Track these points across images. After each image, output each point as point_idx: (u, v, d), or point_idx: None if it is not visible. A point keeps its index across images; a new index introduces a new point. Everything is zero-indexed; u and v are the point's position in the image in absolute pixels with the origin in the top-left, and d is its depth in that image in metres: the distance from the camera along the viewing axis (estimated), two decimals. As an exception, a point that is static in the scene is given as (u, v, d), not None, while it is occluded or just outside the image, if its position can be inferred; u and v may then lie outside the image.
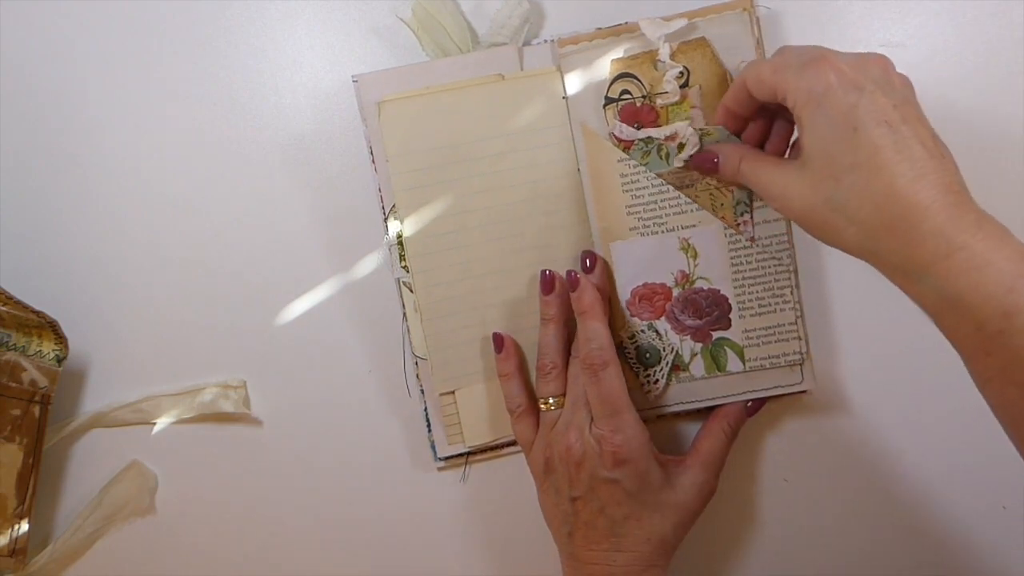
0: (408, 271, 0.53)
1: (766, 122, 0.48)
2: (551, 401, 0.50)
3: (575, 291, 0.50)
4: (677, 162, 0.50)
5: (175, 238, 0.56)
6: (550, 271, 0.51)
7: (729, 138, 0.48)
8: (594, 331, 0.48)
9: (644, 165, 0.51)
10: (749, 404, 0.53)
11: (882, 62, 0.41)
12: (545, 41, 0.53)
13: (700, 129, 0.49)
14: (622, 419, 0.47)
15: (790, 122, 0.47)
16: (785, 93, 0.41)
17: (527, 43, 0.53)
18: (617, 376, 0.48)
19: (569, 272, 0.50)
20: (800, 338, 0.51)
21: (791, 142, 0.47)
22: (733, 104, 0.47)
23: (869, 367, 0.56)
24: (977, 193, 0.40)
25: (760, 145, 0.48)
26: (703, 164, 0.49)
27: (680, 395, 0.52)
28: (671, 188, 0.51)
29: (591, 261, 0.51)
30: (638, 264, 0.52)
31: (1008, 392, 0.38)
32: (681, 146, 0.50)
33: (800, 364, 0.52)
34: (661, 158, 0.50)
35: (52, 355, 0.54)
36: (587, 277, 0.50)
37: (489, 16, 0.53)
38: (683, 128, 0.49)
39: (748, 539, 0.57)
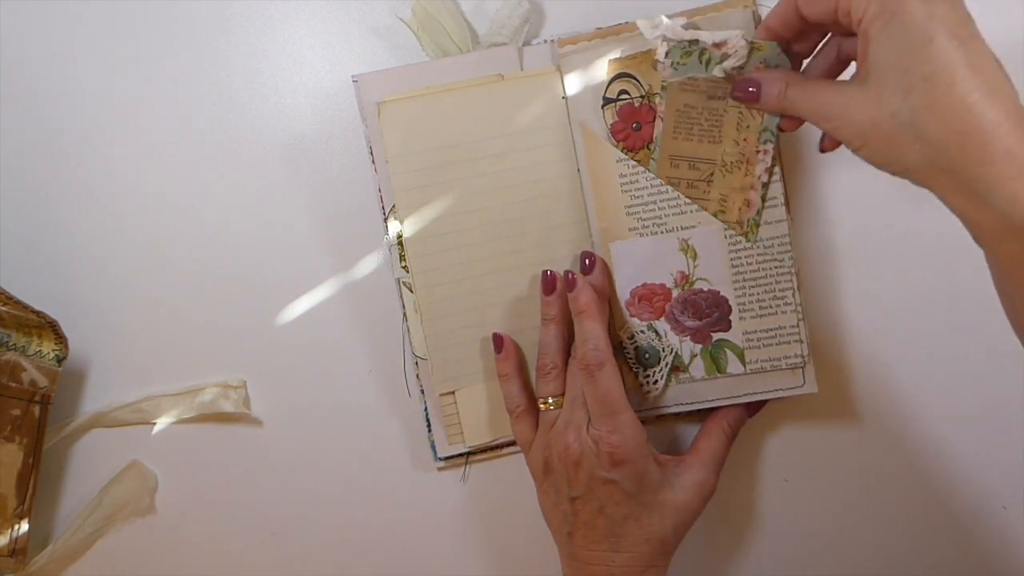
0: (408, 271, 0.53)
1: (807, 46, 0.46)
2: (550, 401, 0.50)
3: (572, 291, 0.50)
4: (717, 71, 0.47)
5: (175, 238, 0.56)
6: (551, 271, 0.51)
7: (780, 58, 0.46)
8: (590, 331, 0.48)
9: (680, 67, 0.48)
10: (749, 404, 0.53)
11: None
12: (545, 41, 0.53)
13: (751, 42, 0.46)
14: (619, 419, 0.47)
15: (838, 43, 0.45)
16: (850, 5, 0.40)
17: (527, 43, 0.53)
18: (613, 376, 0.48)
19: (567, 272, 0.50)
20: (801, 341, 0.51)
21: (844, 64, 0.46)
22: (778, 24, 0.45)
23: (870, 368, 0.56)
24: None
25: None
26: (741, 92, 0.46)
27: (680, 396, 0.52)
28: (670, 188, 0.51)
29: (590, 261, 0.51)
30: (637, 264, 0.52)
31: None
32: (725, 56, 0.47)
33: (801, 367, 0.51)
34: (701, 63, 0.48)
35: (52, 355, 0.54)
36: (584, 278, 0.50)
37: (489, 16, 0.53)
38: (734, 37, 0.46)
39: (748, 539, 0.57)
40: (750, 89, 0.46)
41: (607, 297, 0.51)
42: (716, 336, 0.52)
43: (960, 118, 0.37)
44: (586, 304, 0.49)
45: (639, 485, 0.47)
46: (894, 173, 0.41)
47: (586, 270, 0.51)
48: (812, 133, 0.54)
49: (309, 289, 0.56)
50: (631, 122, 0.51)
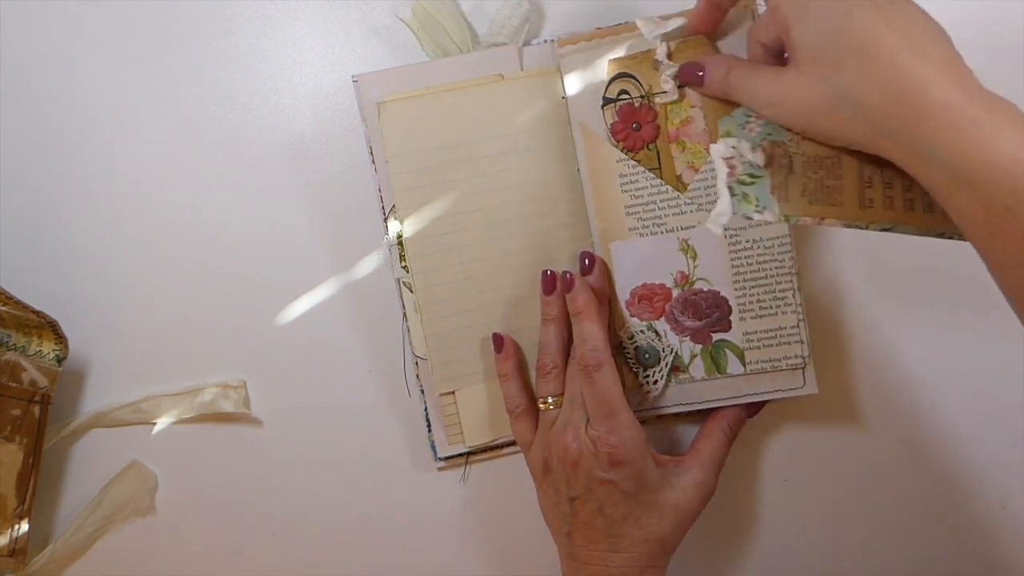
0: (408, 271, 0.53)
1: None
2: (550, 401, 0.50)
3: (570, 292, 0.50)
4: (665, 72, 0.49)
5: (175, 238, 0.56)
6: (551, 271, 0.51)
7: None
8: (589, 332, 0.48)
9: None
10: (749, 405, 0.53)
11: None
12: (545, 41, 0.53)
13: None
14: (618, 420, 0.47)
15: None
16: None
17: (527, 43, 0.53)
18: (612, 377, 0.48)
19: (565, 273, 0.50)
20: (802, 342, 0.51)
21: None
22: (699, 22, 0.48)
23: (870, 368, 0.56)
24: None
25: None
26: (689, 76, 0.48)
27: (679, 396, 0.52)
28: (670, 188, 0.51)
29: (589, 261, 0.51)
30: (637, 264, 0.52)
31: (1016, 275, 0.36)
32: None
33: (802, 368, 0.51)
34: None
35: (52, 355, 0.54)
36: (582, 278, 0.50)
37: (489, 16, 0.53)
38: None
39: (748, 539, 0.57)
40: (697, 73, 0.48)
41: (606, 297, 0.51)
42: (716, 336, 0.52)
43: (892, 80, 0.37)
44: (584, 305, 0.49)
45: (638, 485, 0.47)
46: (846, 146, 0.42)
47: (585, 270, 0.51)
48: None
49: (309, 289, 0.56)
50: (631, 122, 0.51)
